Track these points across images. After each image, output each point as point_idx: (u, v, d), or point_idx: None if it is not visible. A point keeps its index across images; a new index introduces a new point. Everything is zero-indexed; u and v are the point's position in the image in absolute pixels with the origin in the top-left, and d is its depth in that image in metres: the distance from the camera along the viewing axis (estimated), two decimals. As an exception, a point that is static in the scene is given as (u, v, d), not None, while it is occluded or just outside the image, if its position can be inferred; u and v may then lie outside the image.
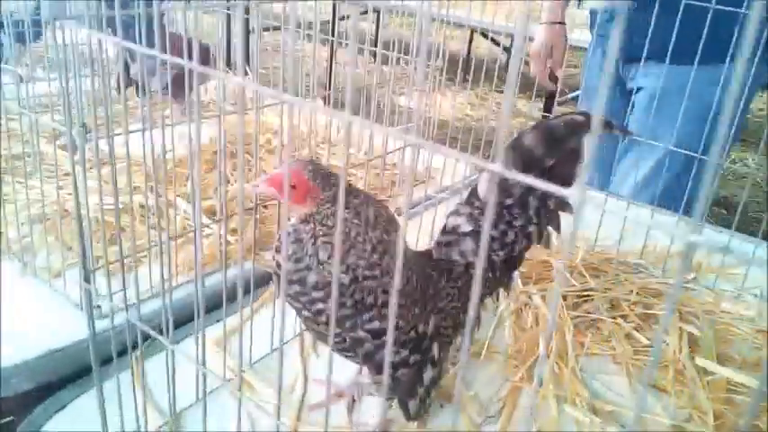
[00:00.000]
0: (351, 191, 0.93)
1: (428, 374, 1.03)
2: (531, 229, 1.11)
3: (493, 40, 5.25)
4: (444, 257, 1.10)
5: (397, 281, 0.51)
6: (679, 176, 1.82)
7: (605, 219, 1.63)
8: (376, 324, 0.95)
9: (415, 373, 1.01)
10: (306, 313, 0.96)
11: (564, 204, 1.10)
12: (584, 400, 1.19)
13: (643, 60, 1.64)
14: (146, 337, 1.03)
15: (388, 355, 0.56)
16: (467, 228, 1.10)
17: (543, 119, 1.05)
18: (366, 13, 4.43)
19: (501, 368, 1.26)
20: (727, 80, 1.60)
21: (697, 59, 1.56)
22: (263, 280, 1.43)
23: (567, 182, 1.07)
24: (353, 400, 1.15)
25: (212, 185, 1.74)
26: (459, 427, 1.12)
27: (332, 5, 3.03)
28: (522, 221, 1.08)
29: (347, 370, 1.19)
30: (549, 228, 1.12)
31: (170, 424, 1.04)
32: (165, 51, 0.65)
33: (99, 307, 1.22)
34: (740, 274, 1.62)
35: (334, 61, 3.63)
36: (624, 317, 1.42)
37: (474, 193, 1.10)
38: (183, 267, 1.40)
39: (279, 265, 0.96)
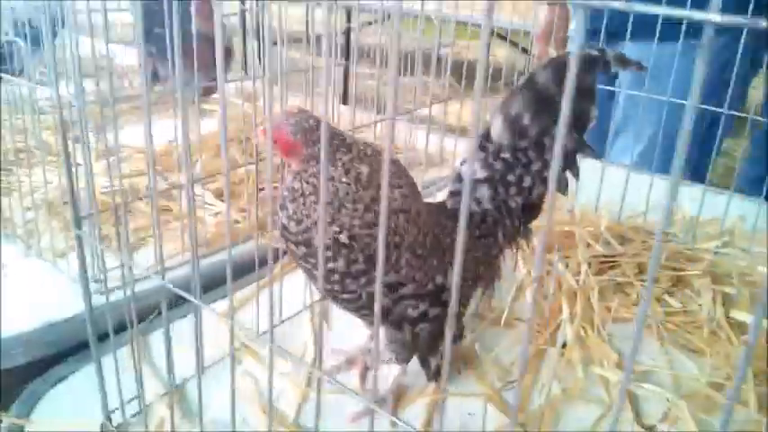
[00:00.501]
0: (340, 146, 0.84)
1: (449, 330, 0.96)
2: (548, 174, 1.05)
3: (501, 37, 5.15)
4: (459, 207, 1.05)
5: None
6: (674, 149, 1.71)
7: (628, 192, 1.55)
8: (392, 277, 0.89)
9: (436, 329, 0.95)
10: (317, 273, 0.91)
11: (582, 145, 1.04)
12: (611, 361, 1.11)
13: (628, 38, 1.57)
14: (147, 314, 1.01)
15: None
16: (481, 174, 1.04)
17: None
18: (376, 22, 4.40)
19: (522, 334, 1.19)
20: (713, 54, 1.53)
21: (682, 35, 1.50)
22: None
23: (582, 122, 1.02)
24: (366, 368, 1.09)
25: (218, 170, 1.71)
26: (479, 392, 1.05)
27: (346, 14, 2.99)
28: (538, 165, 1.02)
29: (359, 339, 1.14)
30: (568, 173, 1.06)
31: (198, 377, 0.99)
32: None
33: (102, 281, 1.18)
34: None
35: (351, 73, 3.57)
36: (654, 281, 1.34)
37: (487, 136, 1.04)
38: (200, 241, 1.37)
39: (284, 227, 0.91)
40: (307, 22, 1.73)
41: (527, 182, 1.03)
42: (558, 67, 0.97)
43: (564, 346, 1.15)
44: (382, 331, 1.05)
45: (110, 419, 0.92)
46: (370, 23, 5.03)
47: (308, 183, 0.85)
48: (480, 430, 0.96)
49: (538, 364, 1.12)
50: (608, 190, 1.56)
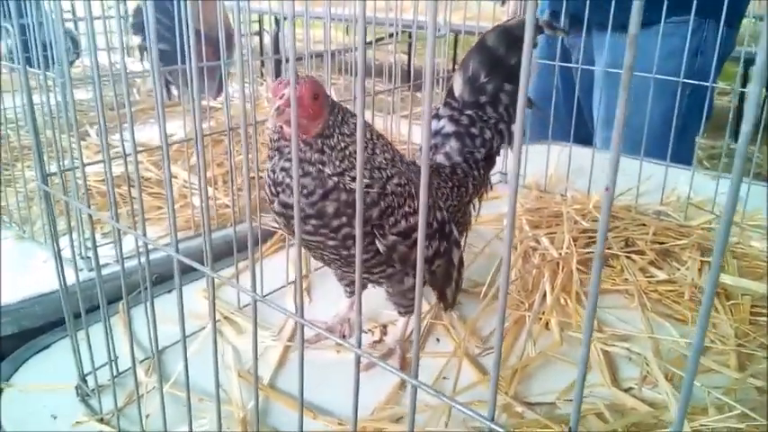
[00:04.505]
0: (345, 109, 0.87)
1: (456, 256, 1.00)
2: (502, 126, 1.12)
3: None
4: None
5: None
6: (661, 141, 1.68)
7: (619, 177, 1.54)
8: (402, 224, 0.89)
9: (448, 261, 0.99)
10: (331, 243, 0.88)
11: (529, 101, 1.13)
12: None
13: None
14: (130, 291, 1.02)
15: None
16: (450, 128, 1.10)
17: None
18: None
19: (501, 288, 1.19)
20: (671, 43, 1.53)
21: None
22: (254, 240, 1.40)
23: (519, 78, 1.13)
24: (344, 337, 1.10)
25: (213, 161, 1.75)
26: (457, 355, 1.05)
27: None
28: (494, 118, 1.10)
29: (335, 310, 1.15)
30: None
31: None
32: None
33: (88, 258, 1.21)
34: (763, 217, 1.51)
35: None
36: (640, 253, 1.33)
37: (450, 93, 1.11)
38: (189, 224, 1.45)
39: (285, 205, 0.87)
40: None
41: (488, 134, 1.10)
42: (504, 30, 1.06)
43: (543, 312, 1.15)
44: (385, 288, 1.04)
45: (85, 381, 0.94)
46: (381, 38, 5.08)
47: (341, 134, 0.84)
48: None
49: (517, 331, 1.12)
50: (600, 175, 1.55)
